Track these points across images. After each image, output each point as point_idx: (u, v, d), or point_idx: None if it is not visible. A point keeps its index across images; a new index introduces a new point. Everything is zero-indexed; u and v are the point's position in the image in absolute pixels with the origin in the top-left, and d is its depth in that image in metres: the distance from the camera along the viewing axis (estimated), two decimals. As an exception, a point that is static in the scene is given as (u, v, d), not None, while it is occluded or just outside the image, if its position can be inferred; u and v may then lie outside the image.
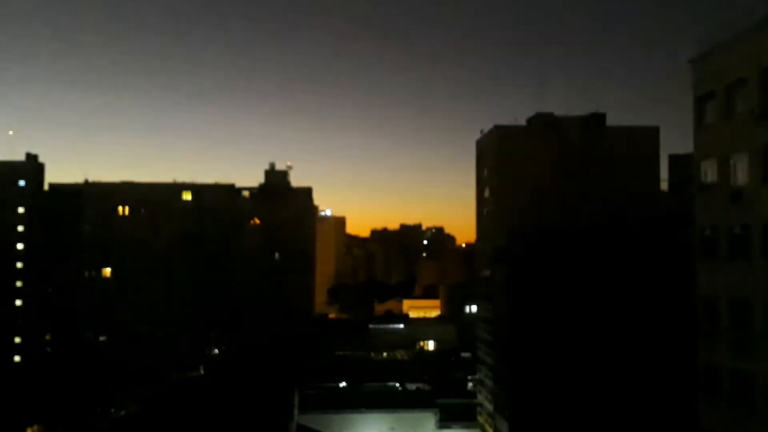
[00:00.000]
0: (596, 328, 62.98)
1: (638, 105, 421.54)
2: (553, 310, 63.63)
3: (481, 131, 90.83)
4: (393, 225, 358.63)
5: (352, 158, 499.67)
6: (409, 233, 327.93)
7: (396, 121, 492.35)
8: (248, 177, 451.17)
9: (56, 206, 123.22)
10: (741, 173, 30.59)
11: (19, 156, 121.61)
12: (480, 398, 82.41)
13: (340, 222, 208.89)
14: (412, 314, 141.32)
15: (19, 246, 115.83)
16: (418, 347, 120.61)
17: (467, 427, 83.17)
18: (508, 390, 66.98)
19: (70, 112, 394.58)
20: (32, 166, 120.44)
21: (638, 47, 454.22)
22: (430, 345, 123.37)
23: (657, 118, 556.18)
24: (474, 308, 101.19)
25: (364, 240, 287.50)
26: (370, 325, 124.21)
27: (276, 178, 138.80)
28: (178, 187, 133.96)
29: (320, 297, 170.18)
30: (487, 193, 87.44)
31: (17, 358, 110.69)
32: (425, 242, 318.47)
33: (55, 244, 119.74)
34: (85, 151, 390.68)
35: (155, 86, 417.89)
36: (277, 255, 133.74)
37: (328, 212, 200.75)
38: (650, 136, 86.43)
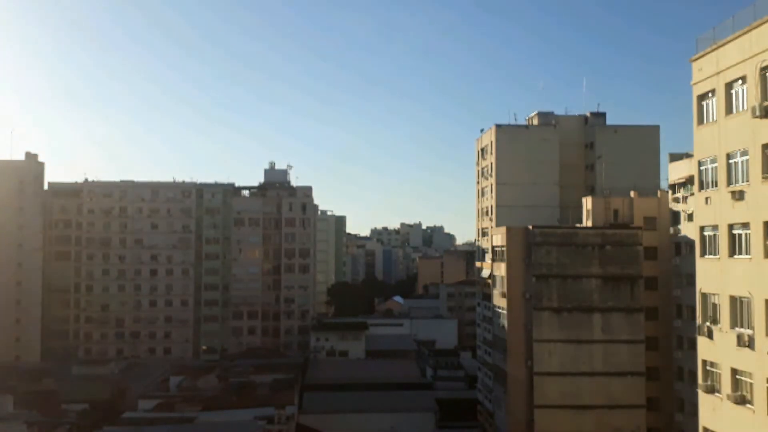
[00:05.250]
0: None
1: (638, 104, 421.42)
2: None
3: (482, 131, 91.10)
4: (393, 224, 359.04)
5: (352, 158, 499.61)
6: (409, 232, 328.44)
7: (396, 121, 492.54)
8: (248, 177, 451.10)
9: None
10: (741, 171, 30.59)
11: (19, 156, 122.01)
12: (480, 397, 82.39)
13: (340, 221, 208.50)
14: (412, 314, 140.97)
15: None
16: (418, 346, 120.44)
17: (467, 426, 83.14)
18: (506, 387, 66.94)
19: (70, 111, 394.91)
20: (32, 166, 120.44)
21: (638, 46, 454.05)
22: (431, 344, 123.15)
23: (657, 117, 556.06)
24: (474, 307, 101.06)
25: (364, 239, 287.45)
26: (370, 324, 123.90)
27: (276, 178, 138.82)
28: (178, 187, 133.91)
29: (320, 296, 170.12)
30: (486, 192, 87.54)
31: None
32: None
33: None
34: (85, 151, 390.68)
35: (155, 86, 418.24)
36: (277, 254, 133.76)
37: (328, 212, 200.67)
38: (650, 134, 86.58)
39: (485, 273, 79.42)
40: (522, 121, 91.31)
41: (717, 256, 32.51)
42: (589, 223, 69.20)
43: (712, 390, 32.91)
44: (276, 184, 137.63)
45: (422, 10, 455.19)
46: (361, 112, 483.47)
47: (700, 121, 34.10)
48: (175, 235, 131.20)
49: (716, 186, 32.46)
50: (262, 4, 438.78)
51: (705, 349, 33.74)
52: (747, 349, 29.82)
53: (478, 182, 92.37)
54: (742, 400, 30.38)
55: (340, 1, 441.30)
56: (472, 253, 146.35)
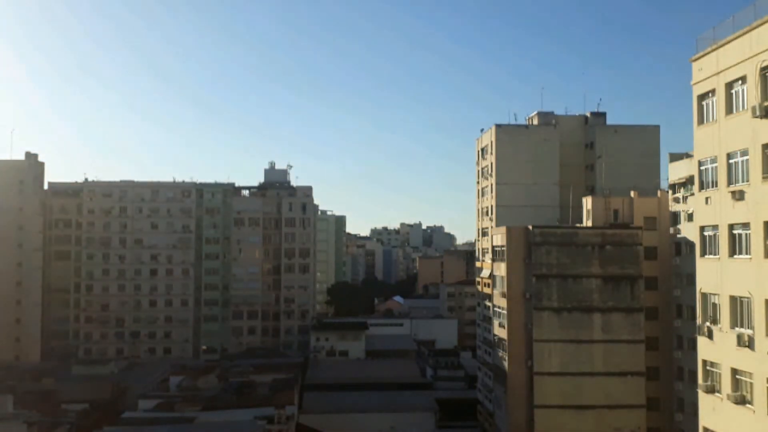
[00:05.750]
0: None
1: (639, 104, 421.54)
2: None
3: (482, 130, 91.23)
4: (393, 224, 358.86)
5: (352, 158, 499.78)
6: (409, 232, 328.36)
7: (396, 121, 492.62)
8: (248, 177, 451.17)
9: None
10: (741, 171, 30.59)
11: (19, 156, 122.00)
12: (480, 397, 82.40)
13: (340, 221, 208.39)
14: (412, 314, 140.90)
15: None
16: (418, 346, 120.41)
17: (467, 426, 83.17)
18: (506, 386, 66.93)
19: (70, 111, 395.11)
20: (32, 166, 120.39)
21: (639, 46, 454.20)
22: (431, 344, 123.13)
23: (657, 117, 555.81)
24: (474, 307, 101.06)
25: (364, 239, 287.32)
26: (370, 324, 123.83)
27: (276, 177, 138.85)
28: (178, 187, 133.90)
29: (320, 296, 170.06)
30: (486, 192, 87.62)
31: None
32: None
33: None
34: (85, 151, 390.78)
35: (155, 85, 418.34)
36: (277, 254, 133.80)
37: (328, 212, 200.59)
38: (650, 134, 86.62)
39: (485, 273, 79.43)
40: (522, 121, 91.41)
41: (717, 256, 32.50)
42: (589, 223, 69.21)
43: (712, 390, 32.91)
44: (276, 184, 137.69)
45: (422, 10, 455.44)
46: (361, 112, 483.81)
47: (700, 121, 34.10)
48: (175, 235, 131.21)
49: (716, 186, 32.45)
50: (261, 4, 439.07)
51: (705, 349, 33.73)
52: (747, 349, 29.81)
53: (478, 182, 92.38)
54: (742, 400, 30.37)
55: (342, 2, 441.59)
56: (472, 253, 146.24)
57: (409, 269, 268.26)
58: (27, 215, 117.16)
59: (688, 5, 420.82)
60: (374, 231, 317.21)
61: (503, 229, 69.83)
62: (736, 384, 30.97)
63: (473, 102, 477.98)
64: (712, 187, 32.94)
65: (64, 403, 76.04)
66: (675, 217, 64.56)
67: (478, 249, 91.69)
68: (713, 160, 32.78)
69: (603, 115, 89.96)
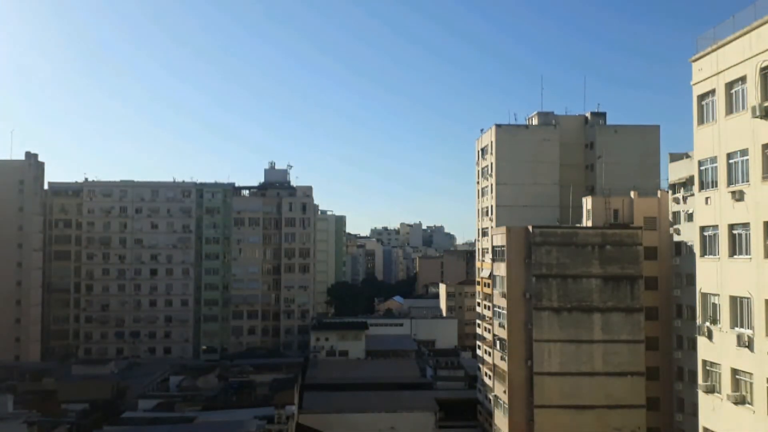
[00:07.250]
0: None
1: (638, 104, 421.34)
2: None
3: (482, 130, 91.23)
4: (393, 224, 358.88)
5: (353, 158, 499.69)
6: (409, 232, 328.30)
7: (396, 121, 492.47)
8: (248, 177, 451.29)
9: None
10: (741, 171, 30.59)
11: (19, 156, 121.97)
12: (480, 397, 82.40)
13: (340, 221, 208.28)
14: (412, 313, 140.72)
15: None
16: (418, 346, 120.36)
17: (467, 426, 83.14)
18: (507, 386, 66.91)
19: (70, 111, 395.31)
20: (32, 166, 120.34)
21: (638, 47, 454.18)
22: (431, 344, 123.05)
23: (657, 117, 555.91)
24: (474, 307, 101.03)
25: (364, 239, 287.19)
26: (370, 324, 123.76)
27: (276, 177, 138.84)
28: (178, 186, 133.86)
29: (320, 296, 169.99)
30: (486, 192, 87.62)
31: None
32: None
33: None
34: (85, 151, 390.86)
35: (155, 85, 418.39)
36: (276, 254, 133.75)
37: (328, 212, 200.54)
38: (650, 134, 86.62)
39: (485, 273, 79.40)
40: (522, 121, 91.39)
41: (717, 257, 32.51)
42: (589, 223, 69.20)
43: (712, 390, 32.92)
44: (276, 183, 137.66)
45: (424, 10, 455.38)
46: (361, 112, 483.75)
47: (700, 121, 34.11)
48: (175, 235, 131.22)
49: (716, 186, 32.47)
50: (261, 4, 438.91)
51: (705, 349, 33.74)
52: (747, 350, 29.82)
53: (478, 182, 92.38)
54: (742, 400, 30.39)
55: (342, 1, 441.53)
56: (472, 253, 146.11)
57: (409, 269, 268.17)
58: (27, 215, 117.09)
59: (689, 4, 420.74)
60: (374, 231, 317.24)
61: (503, 229, 69.80)
62: (736, 384, 30.99)
63: (473, 102, 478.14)
64: (712, 187, 32.94)
65: (64, 403, 75.97)
66: (675, 217, 64.55)
67: (478, 249, 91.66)
68: (713, 160, 32.79)
69: (603, 115, 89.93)
